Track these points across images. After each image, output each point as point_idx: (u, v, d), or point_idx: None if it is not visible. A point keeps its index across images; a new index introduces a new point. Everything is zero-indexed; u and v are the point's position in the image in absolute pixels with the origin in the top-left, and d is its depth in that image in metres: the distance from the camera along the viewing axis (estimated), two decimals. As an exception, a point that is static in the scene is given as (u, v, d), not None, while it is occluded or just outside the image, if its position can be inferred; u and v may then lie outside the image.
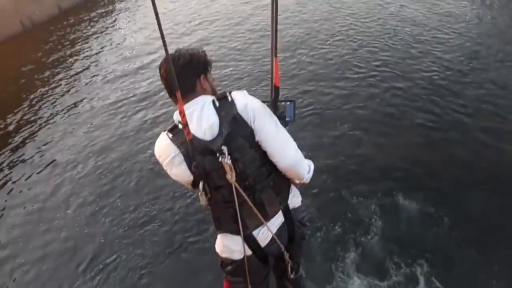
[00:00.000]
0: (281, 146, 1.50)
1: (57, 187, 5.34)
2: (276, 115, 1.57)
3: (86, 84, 8.25)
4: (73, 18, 12.06)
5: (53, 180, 5.49)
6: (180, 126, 1.43)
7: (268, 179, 1.54)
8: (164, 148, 1.48)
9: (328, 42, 8.18)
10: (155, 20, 1.10)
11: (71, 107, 7.40)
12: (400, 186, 4.52)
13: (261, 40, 8.60)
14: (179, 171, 1.48)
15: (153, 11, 1.08)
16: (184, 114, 1.27)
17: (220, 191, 1.49)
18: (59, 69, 9.00)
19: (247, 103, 1.44)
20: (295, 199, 1.74)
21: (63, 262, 4.27)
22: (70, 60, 9.45)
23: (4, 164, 6.01)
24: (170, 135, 1.47)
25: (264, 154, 1.51)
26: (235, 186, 1.43)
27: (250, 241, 1.62)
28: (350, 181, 4.71)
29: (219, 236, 1.71)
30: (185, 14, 11.26)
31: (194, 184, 1.51)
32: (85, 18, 12.14)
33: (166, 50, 1.16)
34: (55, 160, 5.93)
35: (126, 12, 12.56)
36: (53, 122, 7.01)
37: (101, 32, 10.95)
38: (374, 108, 6.02)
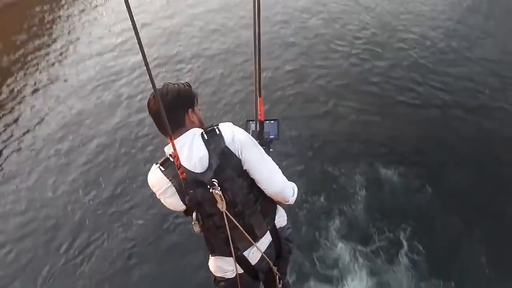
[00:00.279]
0: (268, 175, 1.62)
1: (35, 164, 5.21)
2: (261, 143, 1.74)
3: (61, 61, 8.02)
4: None
5: (31, 157, 5.35)
6: (172, 159, 1.50)
7: (256, 204, 1.65)
8: (157, 181, 1.57)
9: (311, 21, 8.15)
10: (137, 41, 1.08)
11: (47, 84, 7.20)
12: (383, 159, 4.59)
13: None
14: (172, 201, 1.58)
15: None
16: (175, 148, 1.35)
17: (212, 218, 1.59)
18: (32, 48, 8.70)
19: (234, 136, 1.53)
20: (281, 219, 1.85)
21: (45, 242, 4.19)
22: (44, 39, 9.14)
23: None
24: (162, 169, 1.54)
25: (251, 182, 1.61)
26: (225, 214, 1.53)
27: (241, 261, 1.75)
28: (335, 155, 4.76)
29: (212, 258, 1.82)
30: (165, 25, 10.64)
31: (187, 212, 1.61)
32: None
33: (153, 86, 1.20)
34: (34, 137, 5.78)
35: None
36: (30, 98, 6.81)
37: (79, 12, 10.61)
38: (358, 87, 6.07)
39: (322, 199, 4.08)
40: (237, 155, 1.53)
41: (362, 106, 5.66)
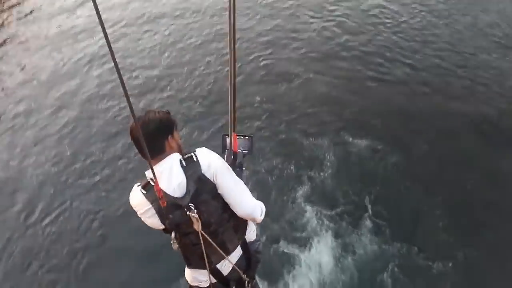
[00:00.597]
0: (239, 198, 1.78)
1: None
2: (234, 166, 2.00)
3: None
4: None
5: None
6: (152, 184, 1.63)
7: (229, 222, 1.82)
8: (138, 202, 1.71)
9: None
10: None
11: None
12: (351, 130, 4.67)
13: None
14: (152, 221, 1.73)
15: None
16: (155, 176, 1.43)
17: (189, 237, 1.76)
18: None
19: (210, 163, 1.68)
20: (251, 233, 2.03)
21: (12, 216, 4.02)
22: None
23: None
24: (144, 192, 1.68)
25: (225, 202, 1.77)
26: (201, 233, 1.68)
27: (215, 272, 1.94)
28: (305, 125, 4.79)
29: (188, 269, 2.01)
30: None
31: (166, 230, 1.79)
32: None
33: (133, 116, 1.25)
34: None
35: None
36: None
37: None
38: (329, 61, 6.09)
39: (291, 166, 4.11)
40: (212, 180, 1.68)
41: (334, 80, 5.70)
